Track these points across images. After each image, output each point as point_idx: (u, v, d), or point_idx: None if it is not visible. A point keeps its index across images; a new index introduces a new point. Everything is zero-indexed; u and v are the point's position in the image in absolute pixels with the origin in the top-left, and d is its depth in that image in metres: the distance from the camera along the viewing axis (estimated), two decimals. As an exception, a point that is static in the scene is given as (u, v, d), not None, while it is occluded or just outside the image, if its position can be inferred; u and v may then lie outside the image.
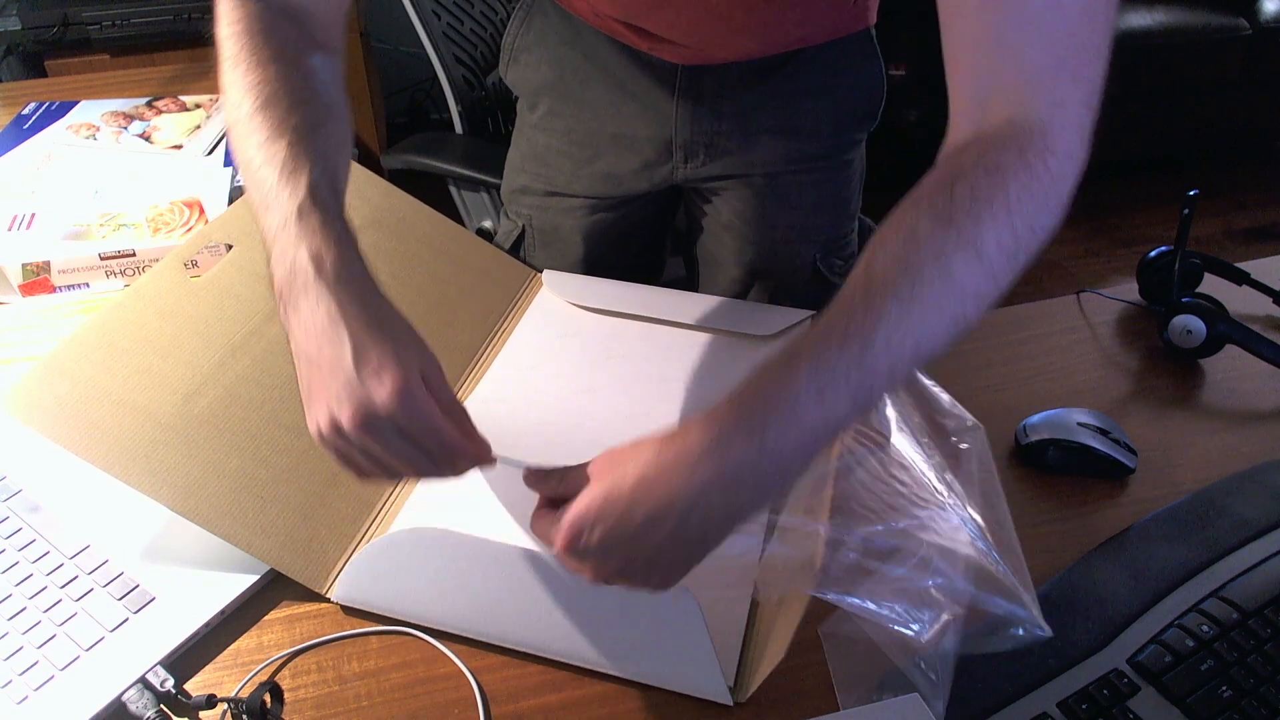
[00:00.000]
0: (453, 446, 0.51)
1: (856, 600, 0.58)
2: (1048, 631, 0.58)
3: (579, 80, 0.90)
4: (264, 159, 0.54)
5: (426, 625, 0.61)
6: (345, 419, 0.48)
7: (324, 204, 0.52)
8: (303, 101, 0.58)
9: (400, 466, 0.51)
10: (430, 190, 0.93)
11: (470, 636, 0.60)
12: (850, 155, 0.95)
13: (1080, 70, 0.50)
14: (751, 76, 0.86)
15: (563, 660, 0.59)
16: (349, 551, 0.65)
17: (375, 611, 0.62)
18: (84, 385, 0.64)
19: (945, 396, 0.70)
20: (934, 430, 0.69)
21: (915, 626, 0.57)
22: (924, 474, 0.65)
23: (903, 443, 0.67)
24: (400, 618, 0.61)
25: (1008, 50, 0.51)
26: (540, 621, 0.59)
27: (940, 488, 0.66)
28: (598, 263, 1.00)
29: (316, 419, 0.50)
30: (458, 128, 1.52)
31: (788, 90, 0.87)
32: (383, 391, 0.47)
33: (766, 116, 0.89)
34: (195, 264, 0.74)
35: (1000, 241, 0.48)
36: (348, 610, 0.62)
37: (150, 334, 0.68)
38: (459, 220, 1.52)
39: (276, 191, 0.53)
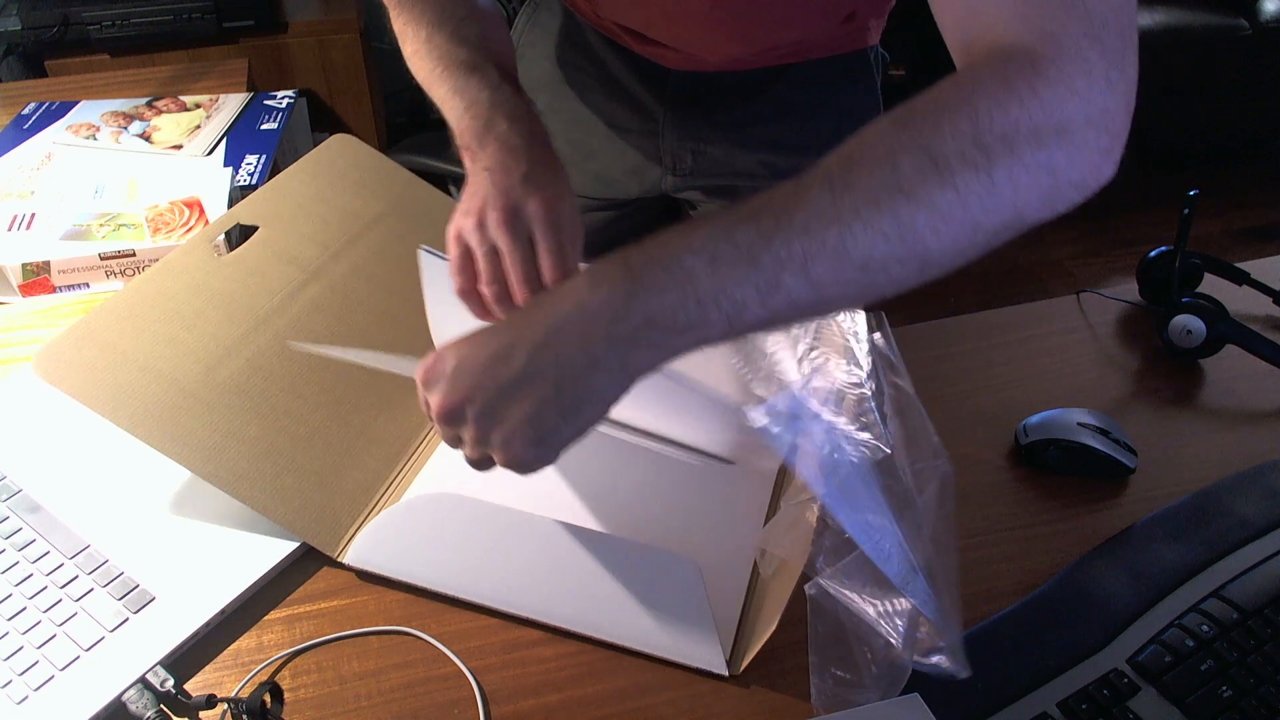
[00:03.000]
0: (565, 264, 0.54)
1: (842, 589, 0.57)
2: (966, 672, 0.54)
3: (577, 77, 0.90)
4: (448, 63, 0.62)
5: (435, 590, 0.62)
6: (495, 211, 0.54)
7: (512, 82, 0.61)
8: (467, 15, 0.65)
9: (515, 272, 0.54)
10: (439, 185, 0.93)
11: (476, 601, 0.62)
12: None
13: (1076, 3, 0.44)
14: (743, 88, 0.85)
15: (564, 626, 0.60)
16: (361, 519, 0.67)
17: (385, 575, 0.63)
18: (112, 351, 0.66)
19: (929, 426, 0.69)
20: (912, 453, 0.68)
21: (890, 628, 0.56)
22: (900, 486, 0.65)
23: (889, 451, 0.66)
24: (409, 581, 0.63)
25: None
26: (544, 585, 0.61)
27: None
28: None
29: (464, 213, 0.56)
30: None
31: (780, 104, 0.86)
32: (536, 199, 0.54)
33: (757, 129, 0.87)
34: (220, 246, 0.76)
35: (963, 153, 0.43)
36: (361, 575, 0.64)
37: (178, 306, 0.71)
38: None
39: (465, 82, 0.61)
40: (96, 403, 0.62)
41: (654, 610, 0.59)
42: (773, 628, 0.55)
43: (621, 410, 0.50)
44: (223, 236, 0.76)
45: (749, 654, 0.58)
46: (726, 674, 0.58)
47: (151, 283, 0.71)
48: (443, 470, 0.71)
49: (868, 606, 0.56)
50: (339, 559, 0.64)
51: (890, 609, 0.56)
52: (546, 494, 0.68)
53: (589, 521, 0.67)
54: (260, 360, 0.70)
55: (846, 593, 0.57)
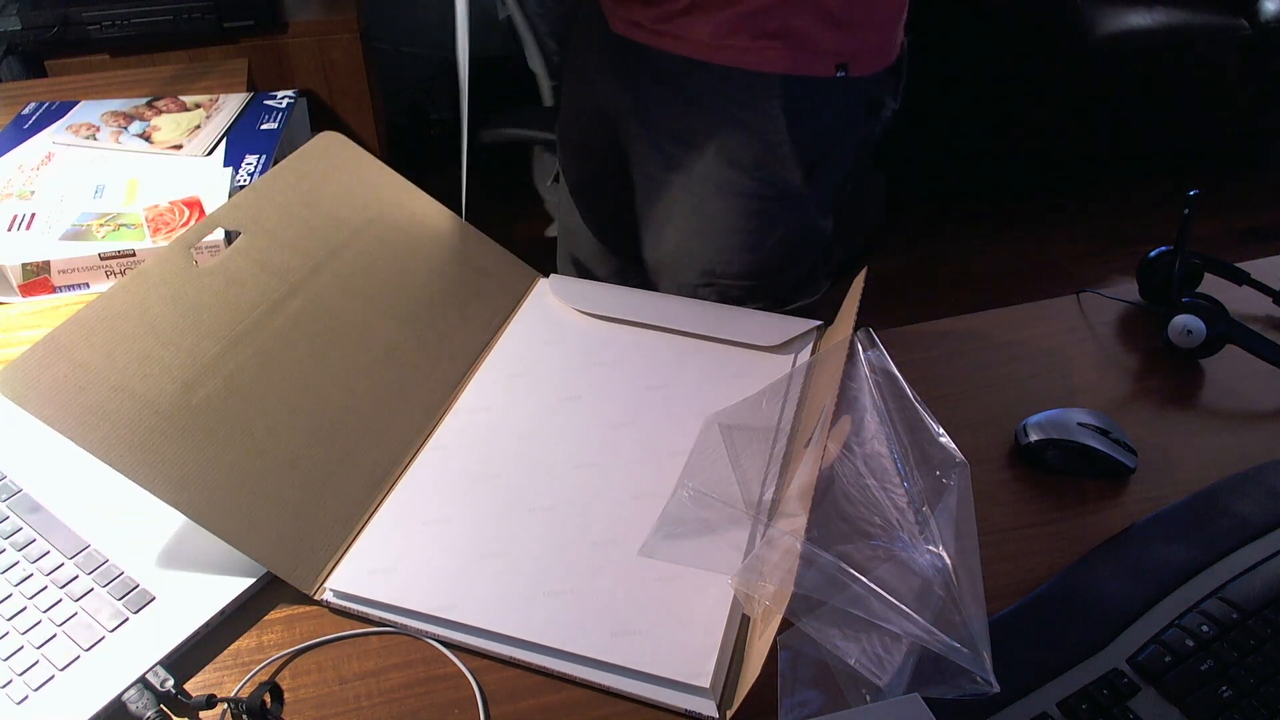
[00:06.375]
0: None
1: (821, 627, 0.57)
2: (996, 688, 0.54)
3: (581, 38, 1.05)
4: None
5: (420, 631, 0.61)
6: None
7: None
8: None
9: None
10: (440, 185, 0.93)
11: (463, 640, 0.60)
12: (739, 201, 0.94)
13: None
14: (663, 71, 0.92)
15: (548, 668, 0.59)
16: (339, 554, 0.65)
17: (365, 614, 0.62)
18: (83, 369, 0.62)
19: (938, 428, 0.69)
20: (920, 460, 0.67)
21: (874, 666, 0.55)
22: (904, 504, 0.64)
23: (888, 468, 0.66)
24: (390, 620, 0.61)
25: None
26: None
27: (916, 521, 0.64)
28: (592, 221, 1.15)
29: None
30: (547, 100, 1.78)
31: (687, 97, 0.92)
32: None
33: (666, 113, 0.95)
34: (198, 253, 0.75)
35: None
36: (337, 612, 0.63)
37: (153, 319, 0.67)
38: (530, 186, 1.96)
39: None
40: (65, 425, 0.59)
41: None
42: (756, 672, 0.53)
43: None
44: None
45: (739, 697, 0.56)
46: (718, 717, 0.56)
47: (126, 292, 0.67)
48: (418, 491, 0.70)
49: (849, 649, 0.56)
50: (315, 597, 0.62)
51: (874, 651, 0.56)
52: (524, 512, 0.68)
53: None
54: (239, 379, 0.68)
55: (825, 637, 0.56)
